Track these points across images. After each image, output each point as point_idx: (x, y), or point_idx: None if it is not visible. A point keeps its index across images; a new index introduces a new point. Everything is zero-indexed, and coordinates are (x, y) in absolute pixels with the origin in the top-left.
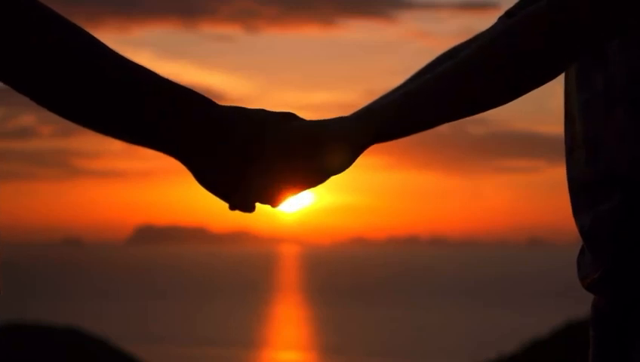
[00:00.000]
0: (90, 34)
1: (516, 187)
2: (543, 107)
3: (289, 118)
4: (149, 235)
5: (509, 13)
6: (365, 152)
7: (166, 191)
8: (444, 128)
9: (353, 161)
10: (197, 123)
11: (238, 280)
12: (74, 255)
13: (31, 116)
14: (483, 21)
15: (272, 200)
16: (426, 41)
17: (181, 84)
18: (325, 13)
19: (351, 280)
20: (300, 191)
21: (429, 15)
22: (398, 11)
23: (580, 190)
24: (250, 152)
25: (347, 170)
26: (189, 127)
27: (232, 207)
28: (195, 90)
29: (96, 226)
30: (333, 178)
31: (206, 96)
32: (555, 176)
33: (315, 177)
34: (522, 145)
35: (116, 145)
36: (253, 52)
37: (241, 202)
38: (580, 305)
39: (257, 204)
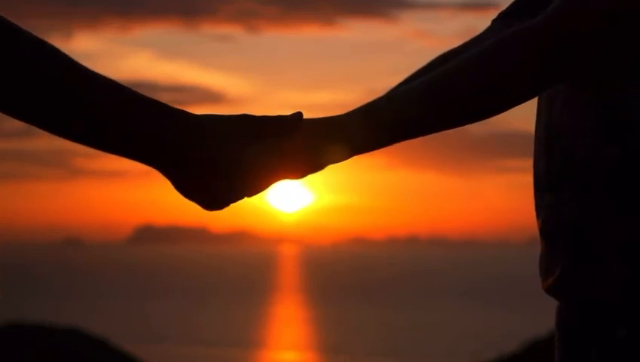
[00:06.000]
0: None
1: (516, 187)
2: None
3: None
4: (149, 235)
5: (502, 14)
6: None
7: (166, 191)
8: None
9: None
10: (167, 133)
11: (238, 280)
12: (74, 255)
13: None
14: (483, 21)
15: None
16: (426, 41)
17: (149, 97)
18: (325, 13)
19: (351, 280)
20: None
21: (429, 15)
22: (398, 11)
23: (537, 187)
24: (220, 160)
25: (348, 170)
26: (160, 137)
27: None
28: (162, 102)
29: (96, 226)
30: (333, 177)
31: (174, 107)
32: None
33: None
34: (522, 145)
35: None
36: (253, 52)
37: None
38: None
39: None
